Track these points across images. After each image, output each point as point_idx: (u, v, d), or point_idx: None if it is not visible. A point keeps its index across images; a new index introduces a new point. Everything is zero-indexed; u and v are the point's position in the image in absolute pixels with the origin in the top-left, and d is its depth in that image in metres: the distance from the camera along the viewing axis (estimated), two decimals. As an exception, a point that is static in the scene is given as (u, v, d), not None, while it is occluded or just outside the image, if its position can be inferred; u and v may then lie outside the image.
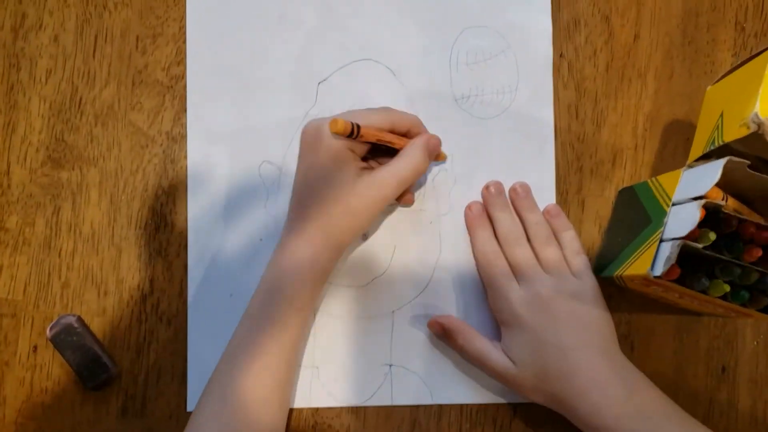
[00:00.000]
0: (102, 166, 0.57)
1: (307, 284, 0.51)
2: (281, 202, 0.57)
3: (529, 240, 0.57)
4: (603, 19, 0.60)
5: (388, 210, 0.58)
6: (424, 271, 0.58)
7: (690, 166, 0.49)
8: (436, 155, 0.55)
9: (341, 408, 0.57)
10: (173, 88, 0.58)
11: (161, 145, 0.58)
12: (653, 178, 0.54)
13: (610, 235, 0.58)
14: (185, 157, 0.58)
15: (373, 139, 0.51)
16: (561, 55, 0.60)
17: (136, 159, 0.58)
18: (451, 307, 0.58)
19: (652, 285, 0.50)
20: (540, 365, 0.52)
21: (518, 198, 0.58)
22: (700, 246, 0.46)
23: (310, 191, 0.51)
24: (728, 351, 0.59)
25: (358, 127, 0.49)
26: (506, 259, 0.56)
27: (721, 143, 0.46)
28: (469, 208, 0.59)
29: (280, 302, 0.50)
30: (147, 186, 0.58)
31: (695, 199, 0.46)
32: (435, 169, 0.59)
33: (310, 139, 0.52)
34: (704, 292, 0.48)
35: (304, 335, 0.56)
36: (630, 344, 0.58)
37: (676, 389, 0.58)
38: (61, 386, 0.56)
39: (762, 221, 0.47)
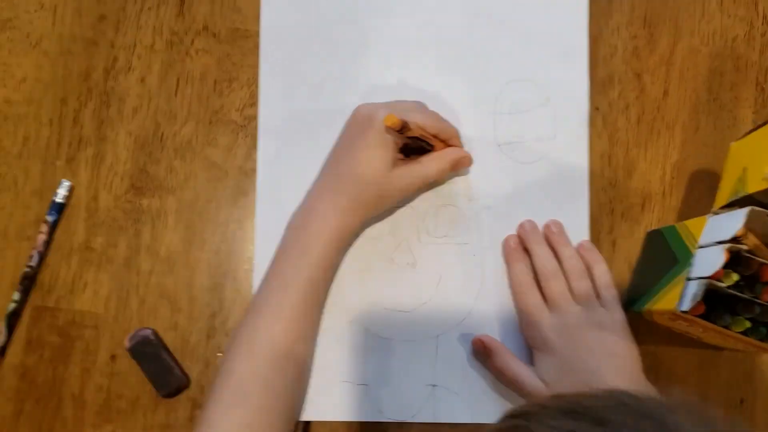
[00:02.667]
0: (179, 195, 0.64)
1: (333, 247, 0.57)
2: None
3: (563, 272, 0.62)
4: (635, 76, 0.67)
5: (436, 243, 0.64)
6: (467, 300, 0.64)
7: (715, 213, 0.55)
8: (454, 171, 0.62)
9: (388, 423, 0.62)
10: (246, 128, 0.65)
11: (233, 178, 0.64)
12: (680, 223, 0.59)
13: (638, 273, 0.64)
14: (254, 190, 0.64)
15: (416, 134, 0.57)
16: (596, 109, 0.66)
17: (211, 190, 0.64)
18: (490, 334, 0.63)
19: (679, 319, 0.55)
20: (568, 387, 0.57)
21: (552, 234, 0.64)
22: (724, 285, 0.51)
23: (348, 167, 0.58)
24: (747, 384, 0.64)
25: (407, 125, 0.55)
26: (540, 289, 0.61)
27: (744, 194, 0.52)
28: (506, 241, 0.64)
29: (308, 263, 0.57)
30: (219, 215, 0.64)
31: (720, 243, 0.51)
32: (478, 207, 0.65)
33: (361, 121, 0.58)
34: (727, 327, 0.53)
35: (327, 292, 0.62)
36: (655, 374, 0.63)
37: (697, 418, 0.63)
38: (135, 393, 0.62)
39: (780, 265, 0.52)
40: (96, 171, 0.64)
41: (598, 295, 0.61)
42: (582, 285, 0.61)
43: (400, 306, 0.63)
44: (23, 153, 0.64)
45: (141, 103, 0.65)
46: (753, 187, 0.51)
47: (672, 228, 0.60)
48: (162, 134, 0.64)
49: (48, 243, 0.63)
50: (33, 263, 0.62)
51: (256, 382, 0.55)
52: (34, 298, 0.62)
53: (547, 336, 0.59)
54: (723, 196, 0.56)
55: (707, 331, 0.55)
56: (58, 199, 0.63)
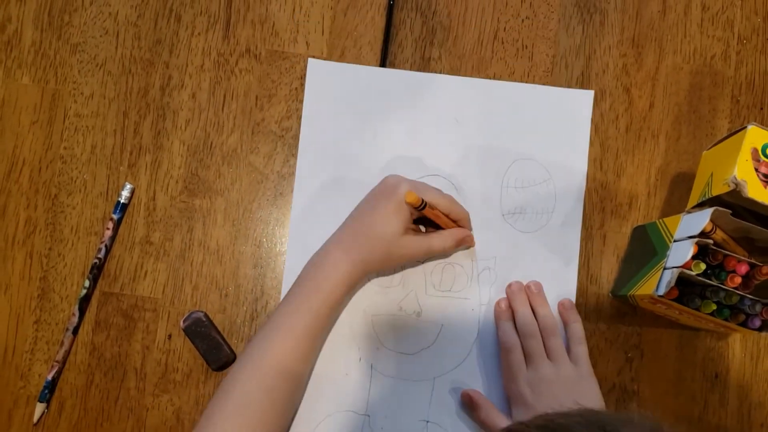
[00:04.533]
0: (227, 196, 0.74)
1: (340, 290, 0.66)
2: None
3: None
4: (624, 90, 0.76)
5: (439, 295, 0.73)
6: (463, 349, 0.72)
7: (688, 212, 0.64)
8: (457, 249, 0.72)
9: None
10: (284, 137, 0.74)
11: (273, 181, 0.74)
12: (660, 220, 0.69)
13: (625, 263, 0.73)
14: (291, 191, 0.73)
15: (430, 216, 0.67)
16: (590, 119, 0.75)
17: (253, 192, 0.74)
18: (479, 380, 0.71)
19: (658, 303, 0.64)
20: None
21: (532, 295, 0.72)
22: (693, 273, 0.60)
23: (367, 226, 0.67)
24: (720, 361, 0.73)
25: (425, 204, 0.65)
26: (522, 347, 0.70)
27: (710, 196, 0.61)
28: (498, 303, 0.72)
29: (318, 298, 0.66)
30: (261, 213, 0.73)
31: (691, 237, 0.61)
32: (480, 267, 0.73)
33: (388, 189, 0.67)
34: (697, 309, 0.62)
35: (331, 324, 0.71)
36: (641, 353, 0.73)
37: (677, 391, 0.72)
38: (188, 367, 0.72)
39: (742, 256, 0.61)
40: (154, 175, 0.74)
41: (569, 351, 0.70)
42: (553, 342, 0.69)
43: (404, 349, 0.72)
44: (91, 159, 0.74)
45: (192, 116, 0.74)
46: (717, 190, 0.60)
47: (653, 224, 0.69)
48: (211, 143, 0.74)
49: (113, 238, 0.72)
50: (101, 255, 0.72)
51: (260, 392, 0.63)
52: (102, 285, 0.72)
53: (522, 390, 0.67)
54: (695, 197, 0.65)
55: (682, 313, 0.65)
56: (122, 200, 0.72)
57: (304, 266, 0.68)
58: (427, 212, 0.66)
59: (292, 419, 0.69)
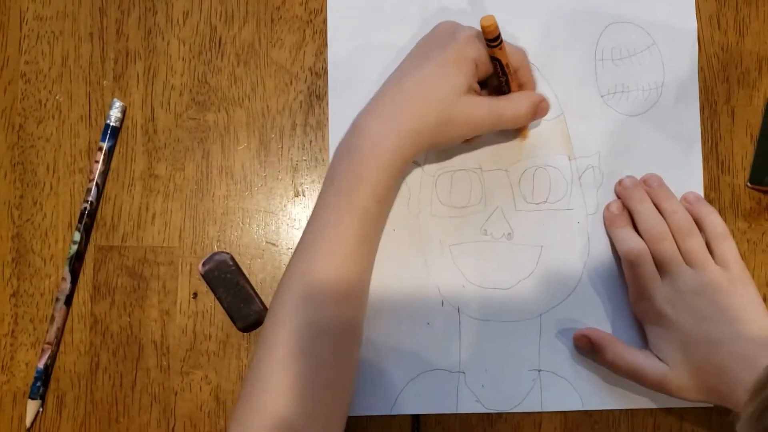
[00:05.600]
0: (247, 106, 0.56)
1: (389, 176, 0.49)
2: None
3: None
4: (736, -73, 0.60)
5: (533, 209, 0.57)
6: (572, 274, 0.57)
7: None
8: (532, 120, 0.55)
9: (490, 414, 0.56)
10: (312, 22, 0.57)
11: (304, 81, 0.57)
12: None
13: (763, 142, 0.58)
14: (328, 92, 0.57)
15: (503, 60, 0.51)
16: (698, -34, 0.59)
17: (282, 97, 0.57)
18: (599, 311, 0.57)
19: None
20: (693, 363, 0.51)
21: (651, 189, 0.57)
22: None
23: (416, 82, 0.50)
24: None
25: (501, 40, 0.49)
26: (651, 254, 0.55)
27: None
28: (607, 208, 0.57)
29: (361, 191, 0.48)
30: (294, 124, 0.56)
31: None
32: (581, 167, 0.58)
33: (442, 34, 0.52)
34: None
35: (382, 229, 0.53)
36: (791, 255, 0.58)
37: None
38: (224, 332, 0.55)
39: None
40: (150, 88, 0.56)
41: (712, 251, 0.55)
42: (691, 243, 0.54)
43: (497, 283, 0.57)
44: (63, 74, 0.56)
45: (191, 6, 0.57)
46: None
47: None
48: (219, 39, 0.57)
49: (105, 173, 0.55)
50: (91, 198, 0.54)
51: (313, 331, 0.47)
52: (97, 238, 0.55)
53: (660, 308, 0.53)
54: None
55: None
56: (112, 123, 0.55)
57: (334, 155, 0.51)
58: (499, 54, 0.50)
59: (358, 356, 0.51)
